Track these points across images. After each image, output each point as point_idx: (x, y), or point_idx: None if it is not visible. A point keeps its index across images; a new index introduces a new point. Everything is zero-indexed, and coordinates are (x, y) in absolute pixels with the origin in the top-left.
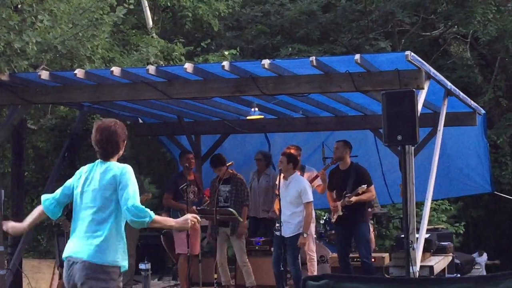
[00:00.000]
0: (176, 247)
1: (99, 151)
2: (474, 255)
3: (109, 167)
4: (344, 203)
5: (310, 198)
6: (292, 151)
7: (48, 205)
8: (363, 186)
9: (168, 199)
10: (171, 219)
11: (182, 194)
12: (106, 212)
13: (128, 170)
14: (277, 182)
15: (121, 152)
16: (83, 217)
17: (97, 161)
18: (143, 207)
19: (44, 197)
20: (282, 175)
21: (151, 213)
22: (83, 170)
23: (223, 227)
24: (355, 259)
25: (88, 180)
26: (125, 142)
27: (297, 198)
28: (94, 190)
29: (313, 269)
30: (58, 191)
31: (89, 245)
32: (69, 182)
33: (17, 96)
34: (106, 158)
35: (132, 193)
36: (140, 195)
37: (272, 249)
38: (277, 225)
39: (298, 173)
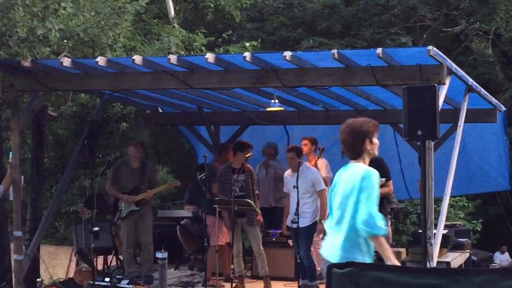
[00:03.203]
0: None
1: None
2: (496, 253)
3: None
4: None
5: (323, 186)
6: (306, 141)
7: None
8: (382, 179)
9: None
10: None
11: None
12: None
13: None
14: (287, 176)
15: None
16: None
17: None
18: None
19: None
20: (290, 169)
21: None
22: None
23: (239, 218)
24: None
25: None
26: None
27: (310, 188)
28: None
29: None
30: None
31: None
32: None
33: (38, 82)
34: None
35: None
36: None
37: (289, 241)
38: (294, 217)
39: (307, 163)
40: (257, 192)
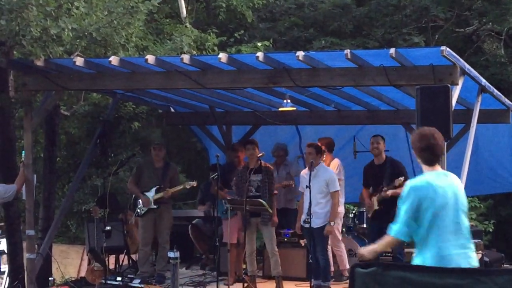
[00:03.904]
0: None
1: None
2: None
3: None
4: (380, 197)
5: (337, 187)
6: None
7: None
8: (400, 178)
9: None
10: None
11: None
12: None
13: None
14: (303, 175)
15: None
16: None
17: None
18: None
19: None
20: (307, 167)
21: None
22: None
23: (253, 218)
24: (385, 254)
25: None
26: None
27: (324, 188)
28: None
29: (344, 262)
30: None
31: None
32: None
33: (51, 81)
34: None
35: None
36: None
37: (301, 241)
38: (307, 217)
39: (324, 163)
40: (275, 192)
